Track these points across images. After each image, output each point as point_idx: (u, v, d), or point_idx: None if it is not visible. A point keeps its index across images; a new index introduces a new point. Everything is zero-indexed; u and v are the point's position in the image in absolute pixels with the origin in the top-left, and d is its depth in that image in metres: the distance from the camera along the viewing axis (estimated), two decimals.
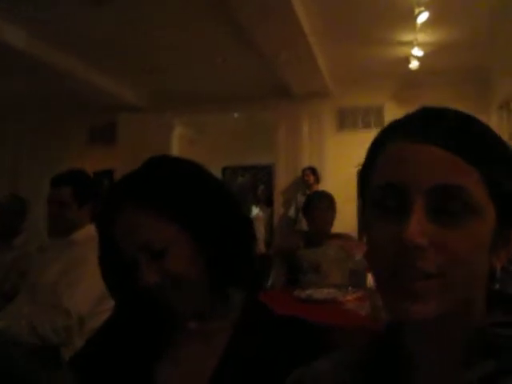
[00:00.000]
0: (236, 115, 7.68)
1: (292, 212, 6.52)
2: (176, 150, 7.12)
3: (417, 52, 4.91)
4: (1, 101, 6.48)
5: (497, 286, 0.65)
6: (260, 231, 6.85)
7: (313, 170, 6.38)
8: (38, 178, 6.69)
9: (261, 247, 6.63)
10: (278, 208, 6.98)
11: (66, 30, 4.67)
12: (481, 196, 0.58)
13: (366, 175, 0.66)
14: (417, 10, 4.04)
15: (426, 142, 0.59)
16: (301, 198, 6.41)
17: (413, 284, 0.57)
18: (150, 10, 4.34)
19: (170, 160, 1.02)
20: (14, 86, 5.99)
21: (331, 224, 3.31)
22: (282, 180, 6.94)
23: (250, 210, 6.84)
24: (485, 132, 0.62)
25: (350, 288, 2.66)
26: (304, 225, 6.09)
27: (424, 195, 0.58)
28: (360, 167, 0.69)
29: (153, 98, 7.01)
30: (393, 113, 5.74)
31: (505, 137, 5.43)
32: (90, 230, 2.34)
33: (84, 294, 2.10)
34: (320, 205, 3.31)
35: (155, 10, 4.35)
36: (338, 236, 3.31)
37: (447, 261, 0.57)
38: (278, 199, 6.99)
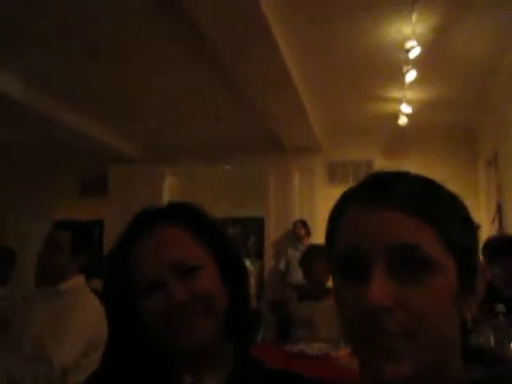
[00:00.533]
0: (227, 167, 7.74)
1: (282, 265, 6.47)
2: (167, 200, 7.10)
3: (405, 108, 5.03)
4: None
5: (471, 339, 0.65)
6: (251, 284, 6.77)
7: (304, 223, 6.38)
8: (26, 227, 6.64)
9: (252, 301, 6.54)
10: (269, 261, 6.93)
11: (62, 81, 4.76)
12: (438, 252, 0.59)
13: (330, 242, 0.68)
14: (405, 69, 4.16)
15: (381, 205, 0.61)
16: (291, 251, 6.38)
17: (384, 345, 0.57)
18: (145, 64, 4.45)
19: (188, 204, 1.04)
20: (7, 135, 6.03)
21: (328, 277, 3.28)
22: (273, 232, 6.92)
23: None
24: (438, 192, 0.64)
25: (342, 343, 2.61)
26: (295, 278, 6.06)
27: (382, 257, 0.59)
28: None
29: (145, 149, 7.07)
30: (382, 167, 5.80)
31: (492, 191, 5.53)
32: (77, 281, 2.32)
33: (70, 345, 2.05)
34: (317, 258, 3.29)
35: (150, 64, 4.45)
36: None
37: (413, 320, 0.57)
38: (269, 252, 6.95)
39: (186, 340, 0.89)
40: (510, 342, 1.93)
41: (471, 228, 0.64)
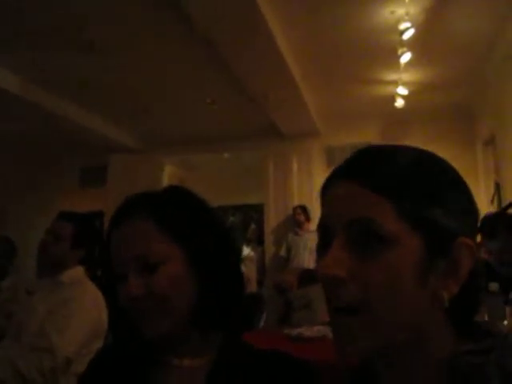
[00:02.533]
0: (226, 155, 7.74)
1: (283, 251, 6.49)
2: None
3: (402, 91, 5.02)
4: None
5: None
6: (252, 271, 6.80)
7: (303, 209, 6.40)
8: (27, 219, 6.67)
9: (252, 286, 6.58)
10: (269, 247, 6.96)
11: (59, 73, 4.75)
12: (394, 226, 0.58)
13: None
14: (400, 51, 4.15)
15: (342, 181, 0.63)
16: (292, 237, 6.41)
17: (337, 321, 0.59)
18: (140, 54, 4.44)
19: (182, 187, 1.05)
20: (5, 127, 6.03)
21: None
22: (273, 219, 6.94)
23: (241, 250, 6.82)
24: (398, 164, 0.62)
25: None
26: (296, 263, 6.09)
27: (342, 230, 0.60)
28: None
29: (143, 138, 7.08)
30: None
31: (490, 171, 5.53)
32: (77, 272, 2.34)
33: (72, 335, 2.07)
34: None
35: (145, 54, 4.44)
36: None
37: (365, 292, 0.58)
38: (269, 238, 6.98)
39: (144, 331, 0.91)
40: (503, 320, 1.95)
41: (450, 204, 0.61)
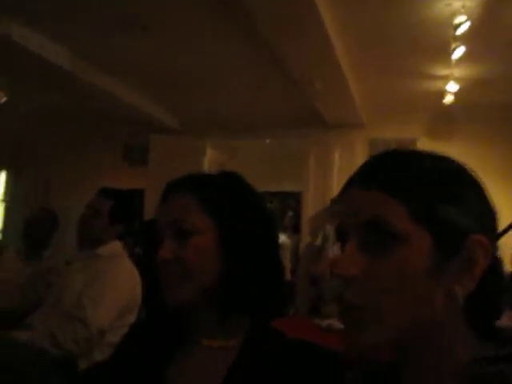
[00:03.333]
0: (268, 141, 7.73)
1: (319, 241, 6.46)
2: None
3: (452, 86, 4.88)
4: (39, 114, 6.69)
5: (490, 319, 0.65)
6: (286, 259, 6.81)
7: None
8: (69, 193, 6.85)
9: (286, 275, 6.59)
10: (305, 236, 6.94)
11: (108, 51, 4.83)
12: (404, 225, 0.61)
13: None
14: (453, 45, 4.03)
15: (354, 185, 0.67)
16: (329, 228, 6.36)
17: (347, 316, 0.62)
18: (189, 37, 4.46)
19: (234, 173, 1.09)
20: (53, 102, 6.19)
21: None
22: (311, 208, 6.90)
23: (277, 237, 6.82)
24: (409, 165, 0.65)
25: None
26: (331, 254, 6.05)
27: (355, 231, 0.64)
28: None
29: (187, 121, 7.13)
30: (426, 147, 5.65)
31: None
32: (115, 247, 2.40)
33: (106, 307, 2.13)
34: None
35: (194, 37, 4.46)
36: None
37: (377, 290, 0.60)
38: (306, 227, 6.95)
39: (166, 297, 0.96)
40: None
41: (462, 203, 0.62)
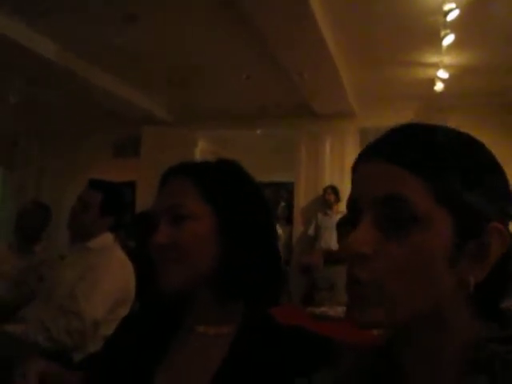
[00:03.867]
0: (259, 132, 7.72)
1: (311, 231, 6.49)
2: None
3: (442, 74, 4.89)
4: (28, 108, 6.63)
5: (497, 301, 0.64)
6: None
7: (334, 189, 6.36)
8: (62, 186, 6.82)
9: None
10: (298, 226, 6.95)
11: (96, 43, 4.78)
12: (426, 205, 0.57)
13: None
14: (443, 33, 4.03)
15: (374, 158, 0.62)
16: (321, 217, 6.39)
17: (352, 291, 0.60)
18: (178, 27, 4.43)
19: (232, 161, 1.08)
20: (42, 95, 6.13)
21: None
22: (303, 198, 6.92)
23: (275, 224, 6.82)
24: (439, 143, 0.61)
25: None
26: (323, 244, 6.08)
27: (371, 208, 0.60)
28: None
29: (177, 112, 7.10)
30: None
31: None
32: (106, 239, 2.39)
33: (99, 300, 2.13)
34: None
35: (182, 27, 4.43)
36: None
37: (387, 270, 0.57)
38: (298, 217, 6.97)
39: (162, 282, 0.95)
40: None
41: (485, 186, 0.60)
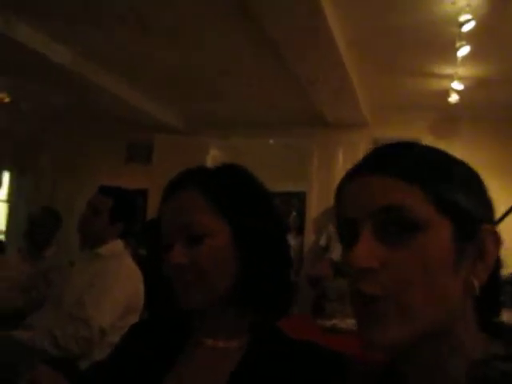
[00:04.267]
0: (271, 141, 7.72)
1: (323, 241, 6.45)
2: None
3: (457, 85, 4.85)
4: (42, 113, 6.69)
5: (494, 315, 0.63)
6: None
7: None
8: (73, 192, 6.85)
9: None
10: (309, 236, 6.92)
11: (110, 50, 4.82)
12: (425, 212, 0.58)
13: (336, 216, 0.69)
14: (458, 44, 4.00)
15: (365, 173, 0.63)
16: (332, 228, 6.34)
17: (368, 310, 0.57)
18: (192, 35, 4.44)
19: (237, 165, 1.06)
20: (56, 101, 6.18)
21: None
22: (314, 208, 6.89)
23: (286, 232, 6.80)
24: (425, 153, 0.64)
25: None
26: (335, 255, 6.04)
27: (369, 220, 0.59)
28: None
29: (190, 120, 7.12)
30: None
31: None
32: (116, 246, 2.38)
33: (108, 307, 2.12)
34: None
35: (196, 36, 4.44)
36: None
37: (399, 281, 0.56)
38: (310, 227, 6.93)
39: (182, 303, 0.92)
40: None
41: (475, 191, 0.63)
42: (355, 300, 0.59)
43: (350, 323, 2.59)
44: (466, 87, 4.88)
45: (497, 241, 0.61)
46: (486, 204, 0.64)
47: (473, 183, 0.64)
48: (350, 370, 0.90)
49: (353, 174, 0.65)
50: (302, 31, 3.96)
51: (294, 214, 7.88)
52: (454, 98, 5.02)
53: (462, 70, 4.69)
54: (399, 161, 0.61)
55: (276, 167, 7.81)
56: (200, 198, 0.93)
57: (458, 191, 0.60)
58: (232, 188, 0.97)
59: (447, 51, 4.29)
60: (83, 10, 4.04)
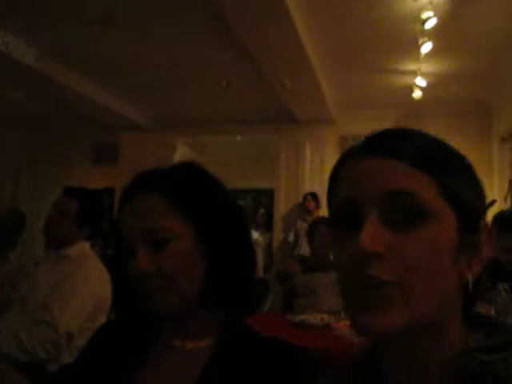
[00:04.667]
0: (239, 138, 7.71)
1: (291, 237, 6.48)
2: None
3: (420, 82, 4.94)
4: (4, 113, 6.54)
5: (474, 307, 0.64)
6: (259, 256, 6.81)
7: (314, 196, 6.37)
8: (39, 193, 6.71)
9: (259, 272, 6.59)
10: (278, 233, 6.95)
11: (74, 47, 4.73)
12: (434, 201, 0.58)
13: (329, 200, 0.67)
14: (421, 40, 4.07)
15: (375, 155, 0.60)
16: (301, 224, 6.38)
17: (371, 294, 0.56)
18: (156, 32, 4.40)
19: (196, 164, 1.03)
20: (20, 101, 6.05)
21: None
22: (283, 205, 6.92)
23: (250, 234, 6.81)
24: (439, 144, 0.63)
25: (342, 314, 2.62)
26: (303, 250, 6.08)
27: (377, 204, 0.58)
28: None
29: (156, 118, 7.05)
30: None
31: (505, 169, 5.45)
32: (83, 248, 2.34)
33: (74, 310, 2.08)
34: (321, 230, 3.30)
35: (161, 32, 4.40)
36: None
37: (404, 267, 0.56)
38: (278, 224, 6.96)
39: (152, 309, 0.91)
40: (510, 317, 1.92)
41: (475, 184, 0.63)
42: (354, 284, 0.58)
43: (318, 318, 2.61)
44: (429, 83, 4.97)
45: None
46: (483, 197, 0.65)
47: (474, 176, 0.64)
48: (320, 365, 0.90)
49: (356, 155, 0.63)
50: (268, 29, 3.97)
51: (262, 210, 7.90)
52: (417, 94, 5.11)
53: (424, 67, 4.77)
54: (411, 147, 0.60)
55: (244, 164, 7.83)
56: (160, 201, 0.91)
57: (463, 184, 0.61)
58: (191, 188, 0.95)
59: (410, 48, 4.36)
60: (46, 7, 3.96)
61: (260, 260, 6.77)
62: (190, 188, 0.95)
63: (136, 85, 5.80)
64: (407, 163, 0.59)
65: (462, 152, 0.67)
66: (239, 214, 1.01)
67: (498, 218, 2.64)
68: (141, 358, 0.96)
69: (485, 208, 0.65)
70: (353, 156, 0.64)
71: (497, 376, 0.55)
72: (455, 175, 0.60)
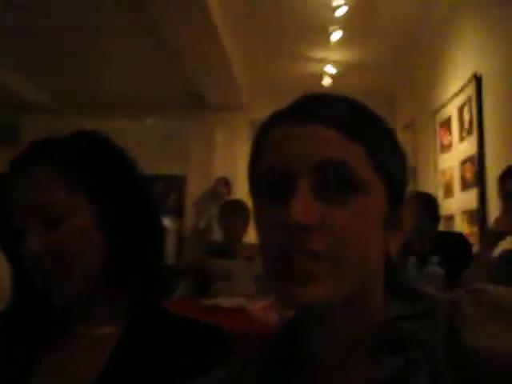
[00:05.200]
0: (149, 122, 7.52)
1: (203, 223, 6.44)
2: None
3: (330, 69, 5.06)
4: None
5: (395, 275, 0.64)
6: (170, 242, 6.71)
7: (225, 181, 6.36)
8: None
9: (169, 257, 6.49)
10: (190, 219, 6.88)
11: None
12: (366, 172, 0.56)
13: (252, 167, 0.63)
14: (331, 28, 4.15)
15: (308, 122, 0.57)
16: (213, 209, 6.35)
17: (301, 266, 0.54)
18: (63, 10, 4.15)
19: (95, 133, 0.93)
20: None
21: (243, 232, 3.27)
22: (195, 190, 6.86)
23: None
24: (369, 113, 0.61)
25: (257, 296, 2.62)
26: (216, 236, 6.05)
27: (308, 174, 0.55)
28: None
29: (59, 98, 6.70)
30: None
31: (408, 155, 5.73)
32: None
33: None
34: (231, 213, 3.28)
35: (66, 10, 4.15)
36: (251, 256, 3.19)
37: (335, 240, 0.54)
38: (190, 210, 6.90)
39: (51, 295, 0.83)
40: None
41: (401, 157, 0.62)
42: (283, 257, 0.55)
43: (232, 301, 2.59)
44: (338, 71, 5.09)
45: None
46: (407, 167, 0.64)
47: (401, 148, 0.63)
48: (232, 344, 0.87)
49: (284, 121, 0.60)
50: (181, 12, 3.88)
51: (174, 196, 7.77)
52: (326, 81, 5.23)
53: (334, 55, 4.88)
54: (343, 115, 0.58)
55: (155, 149, 7.64)
56: (54, 175, 0.82)
57: (389, 156, 0.59)
58: (91, 160, 0.87)
59: (321, 35, 4.44)
60: None
61: (171, 246, 6.68)
62: (90, 160, 0.86)
63: (37, 62, 5.46)
64: (339, 131, 0.56)
65: None
66: (145, 190, 0.94)
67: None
68: (42, 348, 0.87)
69: (408, 180, 0.64)
70: (278, 121, 0.60)
71: (417, 342, 0.55)
72: (384, 146, 0.59)
